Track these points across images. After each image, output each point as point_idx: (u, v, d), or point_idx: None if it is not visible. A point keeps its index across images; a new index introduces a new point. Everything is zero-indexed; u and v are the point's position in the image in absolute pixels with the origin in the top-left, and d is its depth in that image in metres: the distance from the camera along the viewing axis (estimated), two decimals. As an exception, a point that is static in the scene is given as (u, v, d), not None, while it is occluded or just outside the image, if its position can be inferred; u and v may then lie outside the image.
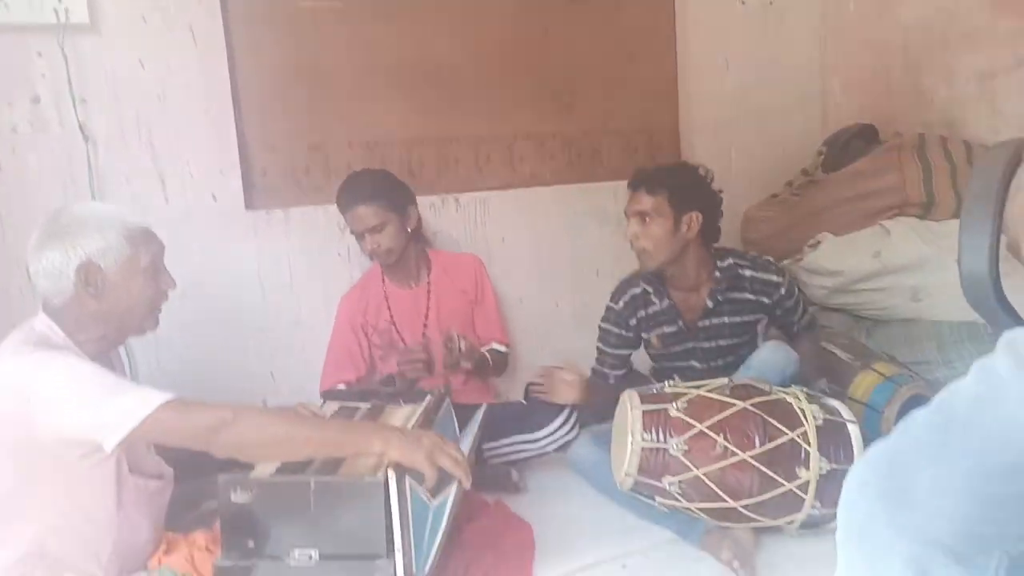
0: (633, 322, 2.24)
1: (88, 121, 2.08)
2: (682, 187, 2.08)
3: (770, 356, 2.01)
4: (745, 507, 1.71)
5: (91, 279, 1.41)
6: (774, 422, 1.73)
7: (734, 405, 1.75)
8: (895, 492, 0.77)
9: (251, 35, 2.32)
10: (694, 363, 2.21)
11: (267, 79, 2.37)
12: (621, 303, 2.25)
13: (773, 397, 1.79)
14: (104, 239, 1.42)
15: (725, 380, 1.86)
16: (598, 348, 2.33)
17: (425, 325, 2.38)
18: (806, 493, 1.70)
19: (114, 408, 1.32)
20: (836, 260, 2.75)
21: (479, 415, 1.97)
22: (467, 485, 1.49)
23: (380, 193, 2.21)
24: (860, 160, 2.92)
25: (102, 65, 2.09)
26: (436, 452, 1.42)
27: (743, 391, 1.80)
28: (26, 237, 2.00)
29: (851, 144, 3.08)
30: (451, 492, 1.60)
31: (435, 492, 1.51)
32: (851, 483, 0.83)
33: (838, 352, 2.41)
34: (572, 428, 2.11)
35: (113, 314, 1.47)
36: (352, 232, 2.27)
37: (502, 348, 2.47)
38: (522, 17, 2.71)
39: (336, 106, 2.47)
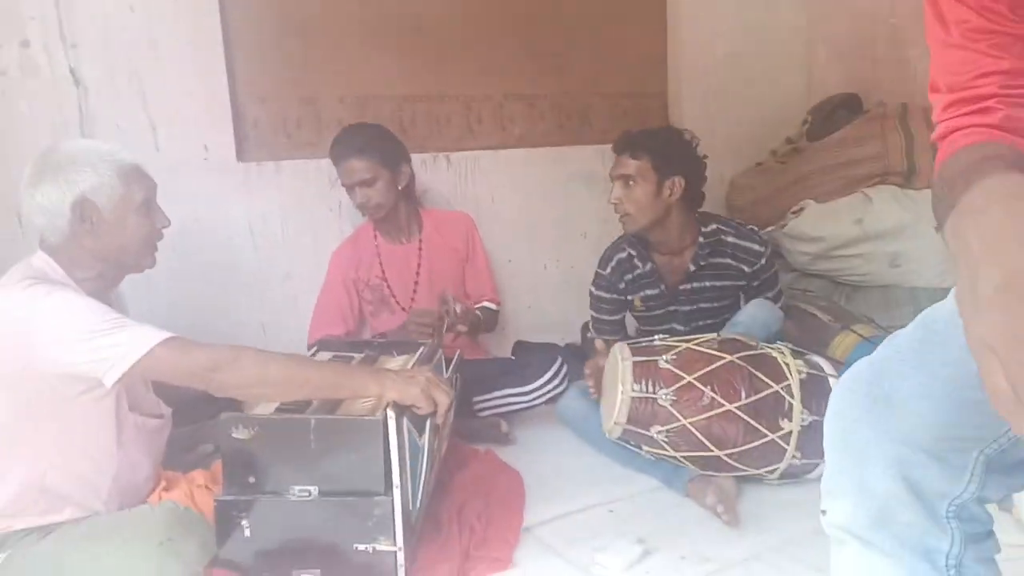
0: (622, 286, 2.28)
1: (79, 66, 2.05)
2: (666, 152, 2.11)
3: (757, 312, 2.07)
4: (729, 456, 1.77)
5: (86, 215, 1.42)
6: (760, 375, 1.78)
7: (722, 358, 1.80)
8: (879, 399, 0.82)
9: (243, -17, 2.29)
10: (675, 326, 2.25)
11: (259, 29, 2.34)
12: (608, 268, 2.29)
13: (759, 351, 1.85)
14: (98, 175, 1.42)
15: (714, 335, 1.91)
16: (592, 316, 2.37)
17: (416, 281, 2.40)
18: (788, 443, 1.76)
19: (114, 343, 1.33)
20: (818, 226, 2.81)
21: (454, 360, 1.97)
22: (439, 420, 1.53)
23: (373, 147, 2.21)
24: (844, 129, 2.97)
25: (92, 9, 2.06)
26: (431, 387, 1.46)
27: (730, 345, 1.85)
28: (16, 183, 1.99)
29: (835, 113, 3.13)
30: (426, 432, 1.62)
31: (420, 431, 1.54)
32: (837, 392, 0.88)
33: (818, 314, 2.48)
34: (562, 382, 2.16)
35: (109, 251, 1.47)
36: (343, 184, 2.27)
37: (493, 306, 2.50)
38: (514, -26, 2.71)
39: (328, 60, 2.46)
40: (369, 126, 2.29)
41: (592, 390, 2.02)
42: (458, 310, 2.19)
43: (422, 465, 1.55)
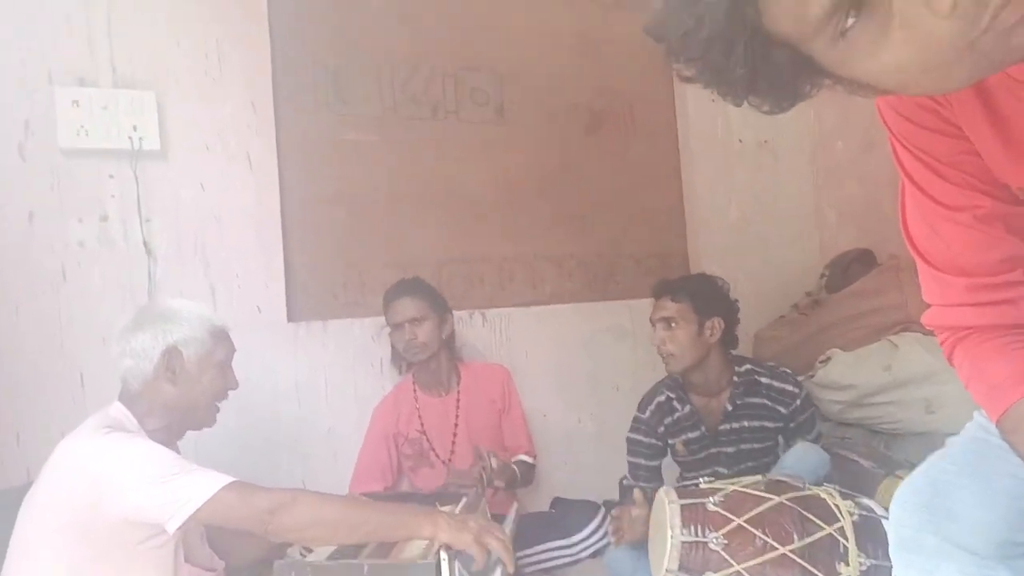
0: (661, 430, 2.30)
1: (150, 238, 2.25)
2: (704, 294, 2.22)
3: (803, 455, 2.07)
4: (787, 604, 1.70)
5: (172, 363, 1.52)
6: (811, 516, 1.76)
7: (770, 499, 1.78)
8: (939, 510, 0.85)
9: (301, 163, 2.54)
10: (719, 469, 2.25)
11: (312, 203, 2.56)
12: (648, 412, 2.32)
13: (808, 493, 1.83)
14: (191, 329, 1.54)
15: (759, 476, 1.91)
16: (630, 463, 2.36)
17: (455, 434, 2.43)
18: (847, 589, 1.70)
19: (181, 486, 1.37)
20: (848, 374, 2.84)
21: (511, 515, 1.97)
22: (511, 569, 1.51)
23: (424, 290, 2.37)
24: (861, 280, 3.09)
25: (167, 188, 2.28)
26: (484, 534, 1.46)
27: (777, 486, 1.84)
28: (84, 346, 2.13)
29: (851, 268, 3.27)
30: None
31: (479, 579, 1.52)
32: (897, 504, 0.90)
33: (860, 460, 2.45)
34: (606, 533, 2.12)
35: (182, 403, 1.56)
36: (392, 324, 2.36)
37: (529, 459, 2.50)
38: (542, 150, 2.97)
39: (373, 228, 2.66)
40: (420, 279, 2.45)
41: (613, 536, 1.98)
42: (494, 465, 2.19)
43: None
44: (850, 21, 0.55)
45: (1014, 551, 0.82)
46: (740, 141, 3.39)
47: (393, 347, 2.47)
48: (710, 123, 3.28)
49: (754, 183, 3.39)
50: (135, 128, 2.21)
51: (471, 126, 2.86)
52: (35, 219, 2.14)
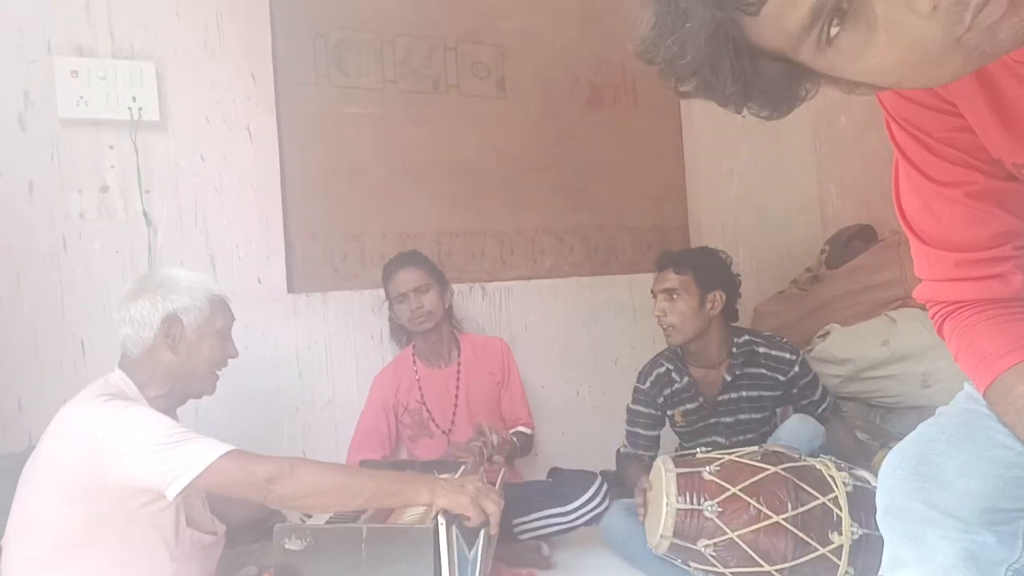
0: (660, 400, 2.32)
1: (150, 209, 2.25)
2: (707, 267, 2.23)
3: (799, 427, 2.09)
4: (780, 571, 1.73)
5: (172, 331, 1.53)
6: (805, 487, 1.78)
7: (766, 470, 1.80)
8: (927, 478, 0.87)
9: (300, 135, 2.54)
10: (717, 439, 2.27)
11: (312, 174, 2.56)
12: (648, 383, 2.34)
13: (803, 463, 1.85)
14: (191, 298, 1.55)
15: (755, 447, 1.93)
16: (628, 432, 2.39)
17: (455, 405, 2.46)
18: (840, 558, 1.72)
19: (180, 455, 1.39)
20: (845, 349, 2.85)
21: (497, 482, 1.96)
22: (494, 532, 1.52)
23: (426, 261, 2.41)
24: (861, 256, 3.09)
25: (167, 159, 2.29)
26: (481, 497, 1.48)
27: (773, 457, 1.86)
28: (85, 315, 2.15)
29: (851, 243, 3.26)
30: (479, 545, 1.62)
31: (471, 544, 1.54)
32: (886, 471, 0.92)
33: (856, 433, 2.47)
34: (602, 501, 2.14)
35: (182, 370, 1.57)
36: (396, 295, 2.36)
37: (527, 430, 2.52)
38: (543, 123, 2.96)
39: (373, 200, 2.66)
40: (418, 252, 2.47)
41: (640, 509, 2.00)
42: (495, 441, 2.21)
43: (468, 576, 1.54)
44: (834, 30, 0.56)
45: (999, 517, 0.84)
46: (742, 116, 3.36)
47: (392, 321, 2.48)
48: (712, 97, 3.26)
49: (756, 158, 3.38)
50: (134, 99, 2.21)
51: (472, 99, 2.85)
52: (35, 190, 2.15)
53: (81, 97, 2.15)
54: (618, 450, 2.45)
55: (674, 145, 3.28)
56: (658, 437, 2.36)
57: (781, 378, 2.25)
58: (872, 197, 3.37)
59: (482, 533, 1.55)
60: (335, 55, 2.62)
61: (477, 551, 1.59)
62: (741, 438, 2.23)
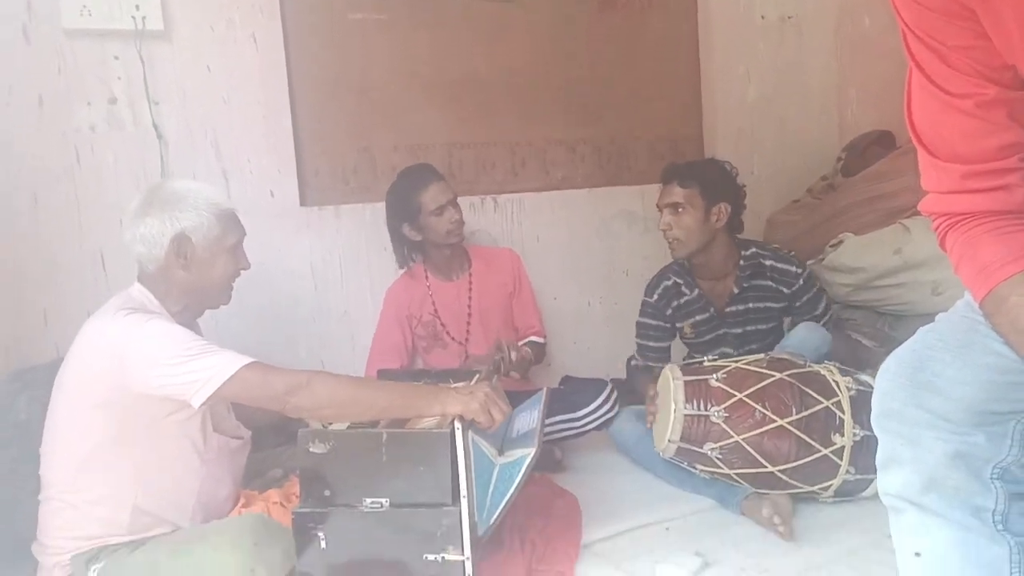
0: (668, 312, 2.35)
1: (160, 121, 2.24)
2: (711, 180, 2.21)
3: (806, 335, 2.13)
4: (783, 472, 1.80)
5: (182, 250, 1.55)
6: (810, 391, 1.83)
7: (771, 376, 1.85)
8: (922, 384, 0.90)
9: (307, 44, 2.48)
10: (726, 349, 2.32)
11: (320, 85, 2.52)
12: (655, 296, 2.37)
13: (808, 369, 1.90)
14: (198, 215, 1.56)
15: (762, 355, 1.97)
16: (639, 344, 2.44)
17: (469, 316, 2.50)
18: (841, 458, 1.79)
19: (203, 367, 1.43)
20: (858, 257, 2.85)
21: (542, 395, 1.99)
22: (485, 426, 1.54)
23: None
24: (878, 163, 3.04)
25: (173, 69, 2.25)
26: (490, 403, 1.52)
27: (779, 364, 1.90)
28: (102, 228, 2.17)
29: (869, 150, 3.20)
30: (522, 459, 1.63)
31: (501, 451, 1.60)
32: (884, 375, 0.95)
33: (862, 340, 2.51)
34: (612, 407, 2.21)
35: (197, 286, 1.60)
36: (434, 209, 2.31)
37: (540, 340, 2.57)
38: (553, 30, 2.87)
39: (382, 112, 2.62)
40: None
41: (650, 417, 2.06)
42: (513, 357, 2.23)
43: (494, 482, 1.59)
44: None
45: (991, 419, 0.87)
46: (762, 17, 3.25)
47: (406, 240, 2.42)
48: (732, -2, 3.15)
49: (775, 61, 3.28)
50: (137, 7, 2.16)
51: (481, 4, 2.75)
52: (44, 103, 2.13)
53: (84, 6, 2.11)
54: (628, 360, 2.50)
55: (690, 50, 3.18)
56: (668, 348, 2.40)
57: (786, 291, 2.26)
58: (894, 103, 3.23)
59: (529, 454, 1.58)
60: (338, -43, 2.53)
61: (518, 466, 1.60)
62: (750, 347, 2.27)
